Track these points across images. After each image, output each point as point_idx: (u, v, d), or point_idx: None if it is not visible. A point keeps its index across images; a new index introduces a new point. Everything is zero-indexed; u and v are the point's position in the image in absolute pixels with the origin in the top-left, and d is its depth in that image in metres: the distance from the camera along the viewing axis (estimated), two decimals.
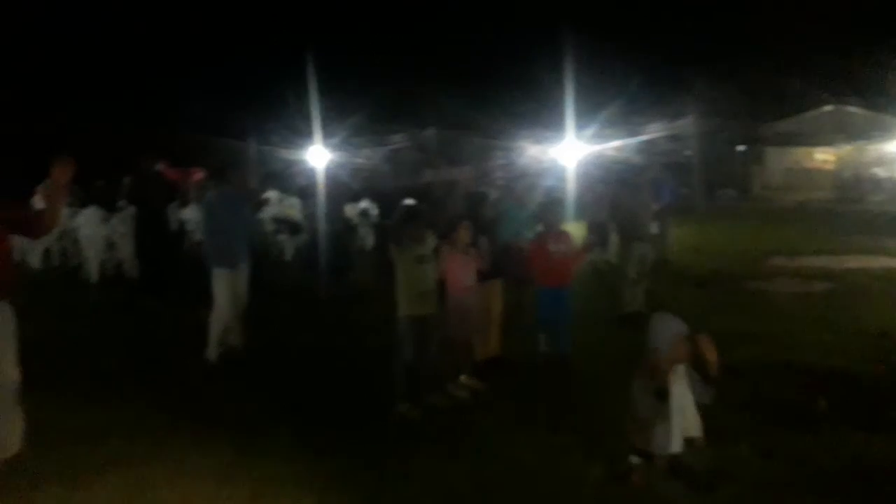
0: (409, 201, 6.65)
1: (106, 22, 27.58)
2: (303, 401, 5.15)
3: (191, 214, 10.28)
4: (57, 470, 3.98)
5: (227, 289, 6.09)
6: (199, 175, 9.13)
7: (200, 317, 6.24)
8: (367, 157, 20.77)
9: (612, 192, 8.90)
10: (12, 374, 3.89)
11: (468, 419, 4.79)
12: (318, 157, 17.72)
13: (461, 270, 5.15)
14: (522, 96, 22.76)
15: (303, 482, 3.86)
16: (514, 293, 6.18)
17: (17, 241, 9.74)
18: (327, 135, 19.81)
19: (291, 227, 12.78)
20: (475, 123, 22.42)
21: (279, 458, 4.15)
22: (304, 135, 20.72)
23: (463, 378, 5.31)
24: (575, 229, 8.00)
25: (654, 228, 8.85)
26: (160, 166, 9.12)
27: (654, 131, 22.26)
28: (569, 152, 16.53)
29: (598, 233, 10.62)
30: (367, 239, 13.42)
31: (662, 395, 3.58)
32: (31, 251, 11.16)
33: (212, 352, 6.12)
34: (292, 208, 14.15)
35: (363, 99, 23.03)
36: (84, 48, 27.13)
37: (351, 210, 13.60)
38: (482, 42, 24.28)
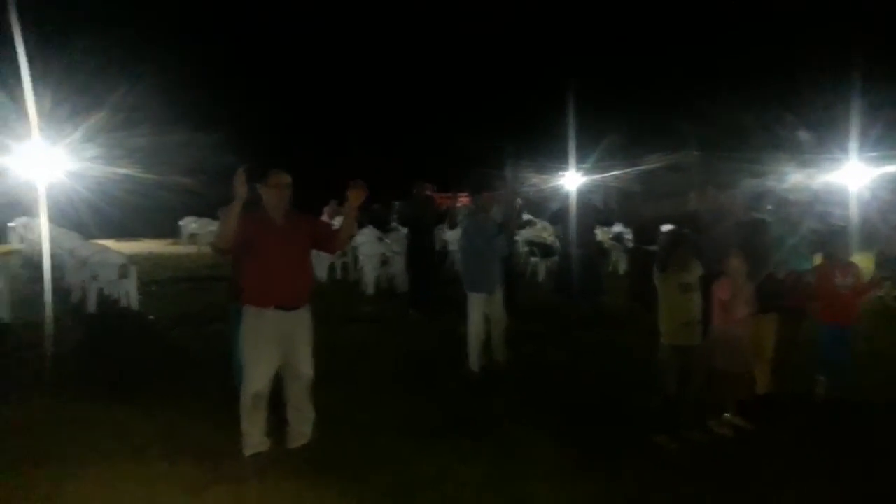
0: (669, 226, 6.47)
1: (386, 69, 30.77)
2: (558, 420, 5.20)
3: (454, 236, 10.97)
4: (338, 461, 4.39)
5: (481, 311, 6.45)
6: (464, 200, 9.73)
7: (461, 331, 6.64)
8: (620, 179, 20.40)
9: None
10: (307, 370, 4.37)
11: (731, 459, 4.50)
12: (571, 181, 17.87)
13: (732, 301, 4.88)
14: (795, 114, 20.86)
15: None
16: (788, 327, 5.70)
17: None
18: (580, 158, 19.88)
19: (544, 249, 13.07)
20: (740, 144, 21.00)
21: (536, 476, 4.22)
22: (557, 159, 21.02)
23: (727, 415, 5.01)
24: (861, 261, 7.16)
25: None
26: (429, 191, 9.87)
27: None
28: (853, 175, 14.86)
29: (890, 266, 9.45)
30: (620, 263, 13.26)
31: None
32: (318, 265, 12.63)
33: (473, 364, 6.48)
34: (545, 231, 14.45)
35: (618, 120, 22.75)
36: (368, 93, 30.52)
37: (604, 234, 13.53)
38: (751, 56, 22.62)
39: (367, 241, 11.90)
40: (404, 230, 10.90)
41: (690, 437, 4.73)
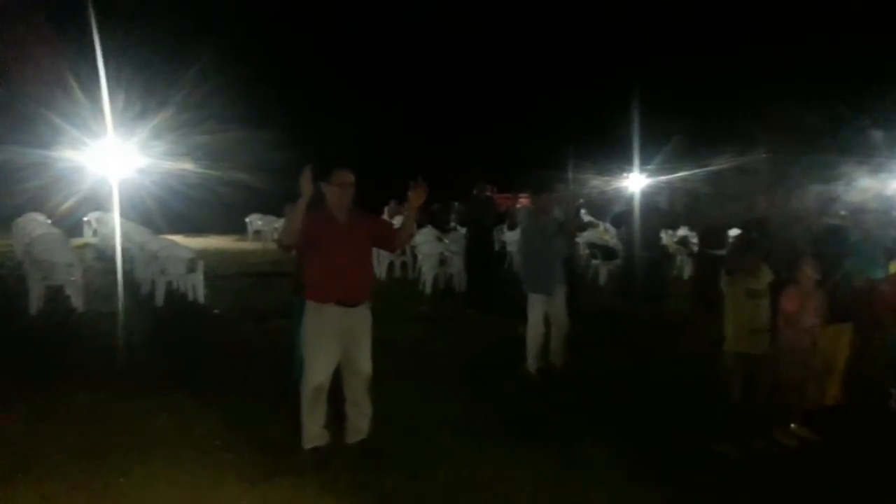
0: (737, 230, 6.29)
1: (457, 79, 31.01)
2: (616, 425, 5.13)
3: (513, 237, 10.92)
4: (397, 458, 4.42)
5: (540, 312, 6.40)
6: (524, 201, 9.70)
7: (518, 331, 6.61)
8: (686, 181, 19.91)
9: None
10: (366, 366, 4.41)
11: (796, 470, 4.37)
12: (635, 182, 17.60)
13: (801, 309, 4.71)
14: (868, 116, 19.97)
15: None
16: (861, 337, 5.49)
17: None
18: (645, 160, 19.53)
19: (605, 252, 12.88)
20: (810, 146, 20.23)
21: (591, 481, 4.17)
22: (621, 160, 20.69)
23: (793, 425, 4.85)
24: None
25: None
26: (489, 192, 9.86)
27: None
28: None
29: None
30: (685, 268, 12.97)
31: None
32: (377, 263, 12.73)
33: (531, 365, 6.44)
34: (607, 233, 14.25)
35: (684, 121, 22.19)
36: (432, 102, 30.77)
37: (669, 237, 13.25)
38: (821, 55, 21.74)
39: (425, 241, 11.96)
40: (463, 230, 10.90)
41: (754, 446, 4.61)
